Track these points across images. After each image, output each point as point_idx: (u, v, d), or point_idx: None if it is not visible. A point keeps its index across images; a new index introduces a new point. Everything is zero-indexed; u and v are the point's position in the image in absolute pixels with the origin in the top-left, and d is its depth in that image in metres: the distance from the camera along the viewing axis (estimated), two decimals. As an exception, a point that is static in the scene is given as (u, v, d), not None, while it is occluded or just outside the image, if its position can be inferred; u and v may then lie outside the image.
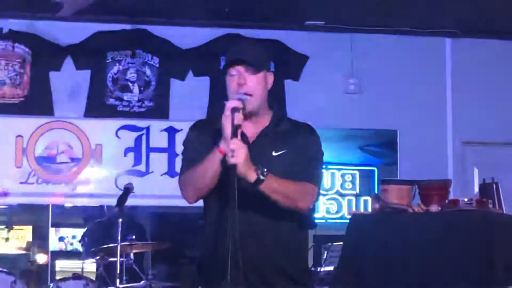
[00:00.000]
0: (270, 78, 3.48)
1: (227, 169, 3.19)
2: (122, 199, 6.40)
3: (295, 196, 3.34)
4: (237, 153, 3.15)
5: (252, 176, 3.20)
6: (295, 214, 3.44)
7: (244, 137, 3.33)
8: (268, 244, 3.39)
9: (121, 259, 6.33)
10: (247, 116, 3.35)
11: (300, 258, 3.53)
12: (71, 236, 8.74)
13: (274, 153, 3.39)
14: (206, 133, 3.48)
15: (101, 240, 6.92)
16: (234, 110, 3.23)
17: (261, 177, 3.21)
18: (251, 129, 3.42)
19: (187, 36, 7.97)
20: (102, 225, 7.62)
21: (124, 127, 7.76)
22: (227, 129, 3.21)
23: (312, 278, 3.67)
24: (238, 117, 3.22)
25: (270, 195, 3.26)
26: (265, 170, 3.22)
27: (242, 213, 3.14)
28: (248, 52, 3.45)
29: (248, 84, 3.37)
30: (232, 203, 3.10)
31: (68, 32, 7.80)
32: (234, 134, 3.19)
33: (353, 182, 8.28)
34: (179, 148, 8.51)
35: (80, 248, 7.82)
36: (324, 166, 8.11)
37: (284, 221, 3.42)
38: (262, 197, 3.27)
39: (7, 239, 8.09)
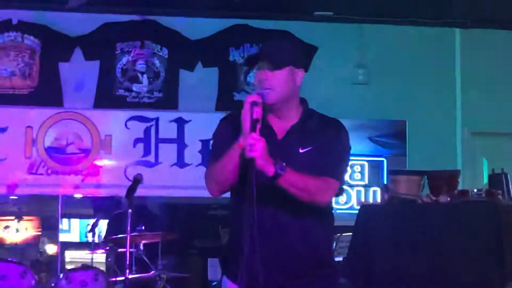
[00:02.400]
0: (299, 74, 3.52)
1: (247, 164, 3.20)
2: (131, 190, 6.40)
3: (313, 191, 3.33)
4: (255, 147, 3.17)
5: (270, 170, 3.22)
6: (319, 208, 3.44)
7: (273, 134, 3.37)
8: (293, 238, 3.39)
9: (131, 249, 6.33)
10: (268, 109, 3.36)
11: (325, 252, 3.51)
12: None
13: (300, 150, 3.40)
14: (235, 127, 3.42)
15: (111, 231, 6.93)
16: (253, 104, 3.24)
17: (279, 172, 3.22)
18: (280, 126, 3.42)
19: (196, 27, 7.97)
20: (114, 217, 7.63)
21: (133, 118, 7.77)
22: (246, 123, 3.22)
23: (337, 272, 3.65)
24: (257, 111, 3.23)
25: (288, 189, 3.26)
26: (284, 164, 3.23)
27: (265, 208, 3.23)
28: (271, 49, 3.48)
29: (268, 80, 3.38)
30: (250, 197, 3.11)
31: (77, 23, 7.81)
32: (252, 128, 3.20)
33: (362, 172, 8.26)
34: (188, 139, 8.53)
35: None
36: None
37: (309, 215, 3.41)
38: (286, 192, 3.29)
39: (17, 230, 8.09)
